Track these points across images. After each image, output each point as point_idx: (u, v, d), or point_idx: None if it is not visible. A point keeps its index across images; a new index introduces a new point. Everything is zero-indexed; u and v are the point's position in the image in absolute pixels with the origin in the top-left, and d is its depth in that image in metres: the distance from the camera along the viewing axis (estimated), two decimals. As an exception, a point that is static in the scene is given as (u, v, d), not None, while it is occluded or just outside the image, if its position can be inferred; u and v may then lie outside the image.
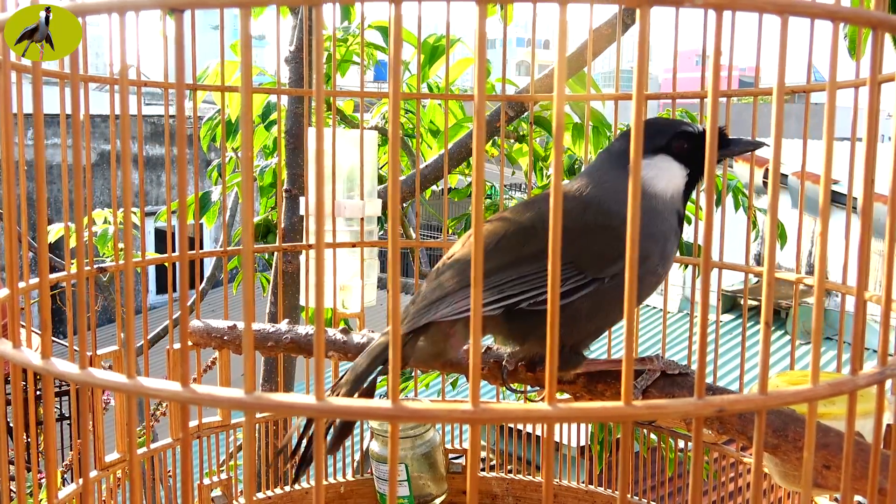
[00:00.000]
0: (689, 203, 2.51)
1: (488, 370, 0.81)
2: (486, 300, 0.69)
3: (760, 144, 0.77)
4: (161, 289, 7.95)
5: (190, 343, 0.94)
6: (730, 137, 0.77)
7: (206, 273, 2.48)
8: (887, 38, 1.01)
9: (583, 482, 1.10)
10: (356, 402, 0.34)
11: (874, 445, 0.36)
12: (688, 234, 2.62)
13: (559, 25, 0.34)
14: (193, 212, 1.00)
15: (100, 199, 7.47)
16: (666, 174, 0.75)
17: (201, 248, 1.05)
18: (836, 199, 4.28)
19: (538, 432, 1.22)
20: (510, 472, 1.12)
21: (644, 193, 0.74)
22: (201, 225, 1.76)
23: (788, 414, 0.60)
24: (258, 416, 1.05)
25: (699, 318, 0.34)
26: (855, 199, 0.79)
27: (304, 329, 0.89)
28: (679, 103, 1.29)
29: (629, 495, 0.34)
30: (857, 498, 0.76)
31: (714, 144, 0.33)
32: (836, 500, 0.85)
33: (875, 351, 0.39)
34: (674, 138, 0.75)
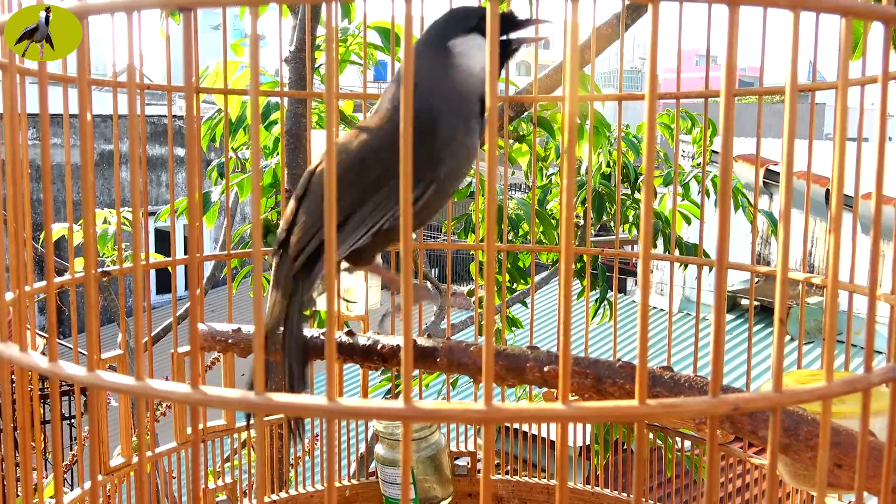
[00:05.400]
0: (688, 203, 2.48)
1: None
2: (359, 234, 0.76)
3: (542, 21, 0.79)
4: (161, 289, 7.93)
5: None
6: (520, 19, 0.78)
7: (206, 273, 2.47)
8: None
9: (581, 483, 1.10)
10: (368, 402, 0.33)
11: (888, 444, 0.35)
12: (689, 233, 2.60)
13: (571, 24, 0.34)
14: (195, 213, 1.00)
15: (99, 198, 7.46)
16: (480, 53, 0.76)
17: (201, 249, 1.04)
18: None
19: (540, 432, 1.22)
20: (508, 472, 1.12)
21: (461, 70, 0.76)
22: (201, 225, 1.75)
23: (799, 413, 0.60)
24: (266, 418, 1.05)
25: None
26: (850, 197, 0.79)
27: (308, 332, 0.88)
28: (681, 103, 1.29)
29: (633, 495, 0.34)
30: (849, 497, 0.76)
31: (729, 142, 0.33)
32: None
33: (878, 352, 0.39)
34: (483, 19, 0.76)
